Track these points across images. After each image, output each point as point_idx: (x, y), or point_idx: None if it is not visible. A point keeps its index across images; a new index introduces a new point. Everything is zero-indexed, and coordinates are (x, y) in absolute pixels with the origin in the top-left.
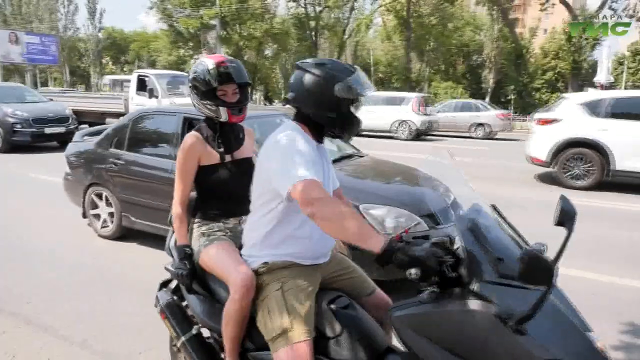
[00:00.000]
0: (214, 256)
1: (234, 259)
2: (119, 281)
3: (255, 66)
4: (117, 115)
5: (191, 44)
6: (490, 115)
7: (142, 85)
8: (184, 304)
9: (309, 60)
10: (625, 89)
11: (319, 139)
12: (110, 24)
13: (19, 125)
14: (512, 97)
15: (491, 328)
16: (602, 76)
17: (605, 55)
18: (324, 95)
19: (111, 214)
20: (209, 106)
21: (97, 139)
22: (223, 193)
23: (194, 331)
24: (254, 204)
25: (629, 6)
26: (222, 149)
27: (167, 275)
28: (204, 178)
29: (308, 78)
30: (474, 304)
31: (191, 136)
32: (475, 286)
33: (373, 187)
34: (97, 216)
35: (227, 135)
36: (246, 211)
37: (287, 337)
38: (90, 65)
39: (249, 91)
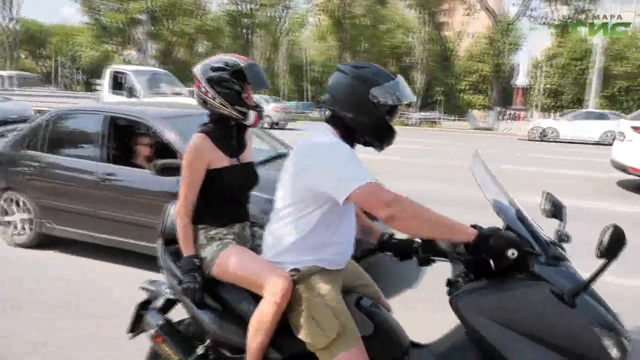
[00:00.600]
0: (237, 262)
1: (264, 262)
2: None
3: (186, 64)
4: None
5: (118, 39)
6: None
7: (117, 84)
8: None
9: (350, 63)
10: (541, 91)
11: (351, 144)
12: (31, 16)
13: None
14: (440, 98)
15: (549, 303)
16: (520, 79)
17: (524, 59)
18: (360, 98)
19: (28, 220)
20: (238, 108)
21: (9, 140)
22: (231, 198)
23: (200, 351)
24: (281, 210)
25: (544, 14)
26: (230, 152)
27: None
28: (212, 182)
29: (345, 80)
30: (533, 284)
31: (200, 137)
32: (535, 268)
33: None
34: (9, 223)
35: (236, 138)
36: (247, 216)
37: (343, 341)
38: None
39: None
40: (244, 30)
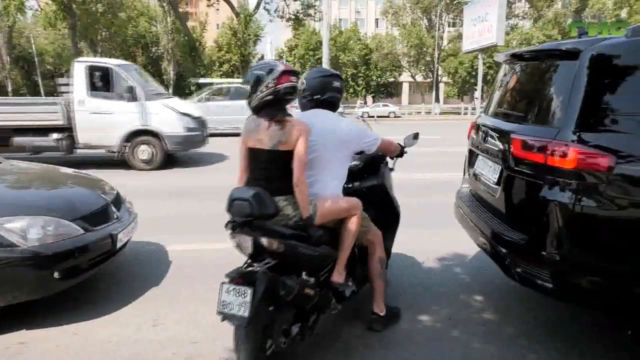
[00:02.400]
0: (329, 205)
1: (339, 198)
2: None
3: None
4: (54, 130)
5: None
6: None
7: (102, 83)
8: None
9: (327, 70)
10: None
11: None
12: None
13: None
14: (193, 88)
15: (389, 172)
16: None
17: (269, 50)
18: (334, 86)
19: None
20: None
21: None
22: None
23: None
24: (324, 166)
25: (279, 7)
26: None
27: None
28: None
29: (328, 80)
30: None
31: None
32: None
33: (8, 195)
34: None
35: None
36: None
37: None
38: None
39: None
40: None
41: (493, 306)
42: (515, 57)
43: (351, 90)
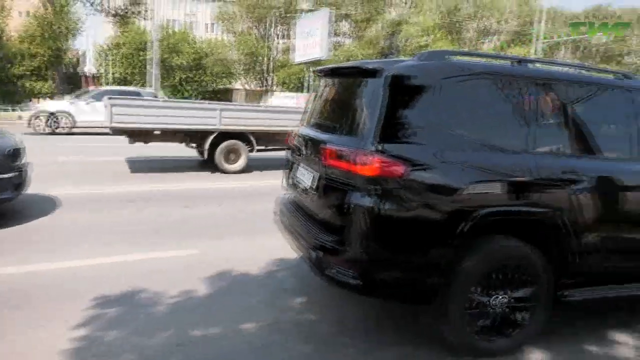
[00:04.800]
0: None
1: None
2: None
3: None
4: None
5: None
6: None
7: None
8: None
9: None
10: (110, 79)
11: None
12: None
13: None
14: None
15: None
16: (88, 66)
17: (91, 46)
18: None
19: None
20: None
21: None
22: None
23: None
24: None
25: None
26: None
27: None
28: None
29: None
30: None
31: None
32: None
33: None
34: None
35: None
36: None
37: None
38: None
39: None
40: None
41: (313, 308)
42: (331, 72)
43: (179, 95)
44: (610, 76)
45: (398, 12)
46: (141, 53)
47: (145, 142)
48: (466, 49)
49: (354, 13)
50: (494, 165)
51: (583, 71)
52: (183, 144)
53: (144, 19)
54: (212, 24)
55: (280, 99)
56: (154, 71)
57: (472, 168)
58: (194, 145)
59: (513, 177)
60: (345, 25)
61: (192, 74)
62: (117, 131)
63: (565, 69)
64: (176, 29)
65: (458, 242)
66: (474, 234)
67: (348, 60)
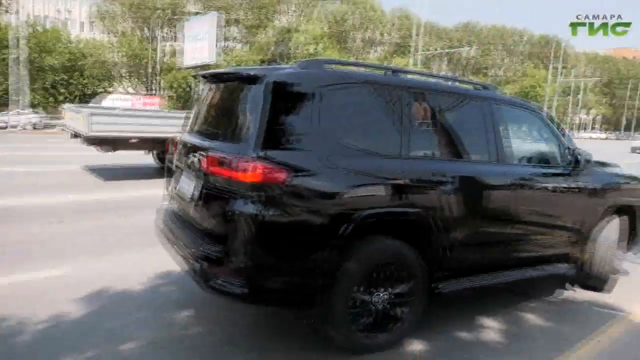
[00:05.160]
0: None
1: None
2: None
3: None
4: None
5: None
6: None
7: None
8: None
9: None
10: None
11: None
12: None
13: None
14: None
15: None
16: None
17: None
18: None
19: None
20: None
21: None
22: None
23: None
24: None
25: None
26: None
27: None
28: None
29: None
30: None
31: None
32: None
33: None
34: None
35: None
36: None
37: None
38: None
39: None
40: None
41: (200, 321)
42: (213, 77)
43: (51, 99)
44: (471, 87)
45: (288, 19)
46: (4, 51)
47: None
48: (353, 58)
49: (244, 18)
50: (372, 170)
51: (449, 82)
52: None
53: (7, 11)
54: (92, 22)
55: (111, 101)
56: (21, 72)
57: (352, 173)
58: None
59: (389, 180)
60: (235, 31)
61: (67, 76)
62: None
63: (434, 79)
64: (47, 26)
65: (340, 245)
66: (355, 236)
67: (239, 65)
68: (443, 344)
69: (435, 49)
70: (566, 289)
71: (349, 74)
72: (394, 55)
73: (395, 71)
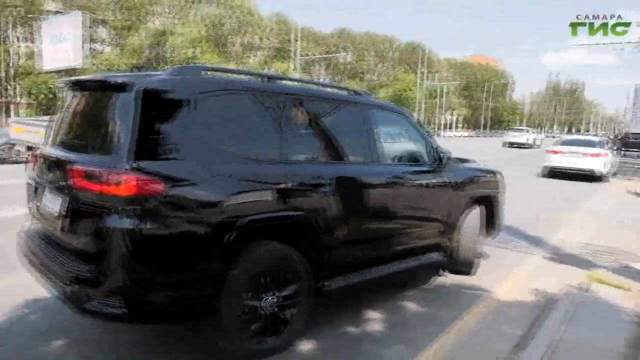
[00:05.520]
0: None
1: None
2: None
3: None
4: None
5: None
6: None
7: None
8: None
9: None
10: None
11: None
12: None
13: None
14: None
15: None
16: None
17: None
18: None
19: None
20: None
21: None
22: None
23: None
24: None
25: None
26: None
27: None
28: None
29: None
30: None
31: None
32: None
33: None
34: None
35: None
36: None
37: None
38: None
39: None
40: None
41: (79, 348)
42: (78, 84)
43: None
44: (345, 93)
45: (162, 21)
46: None
47: None
48: (233, 63)
49: (113, 19)
50: (254, 175)
51: (327, 88)
52: None
53: None
54: None
55: None
56: None
57: (233, 180)
58: None
59: (271, 185)
60: (104, 32)
61: None
62: None
63: (310, 86)
64: None
65: (225, 253)
66: (240, 243)
67: (110, 69)
68: (331, 342)
69: (314, 54)
70: (439, 275)
71: (226, 81)
72: (274, 60)
73: (270, 78)
